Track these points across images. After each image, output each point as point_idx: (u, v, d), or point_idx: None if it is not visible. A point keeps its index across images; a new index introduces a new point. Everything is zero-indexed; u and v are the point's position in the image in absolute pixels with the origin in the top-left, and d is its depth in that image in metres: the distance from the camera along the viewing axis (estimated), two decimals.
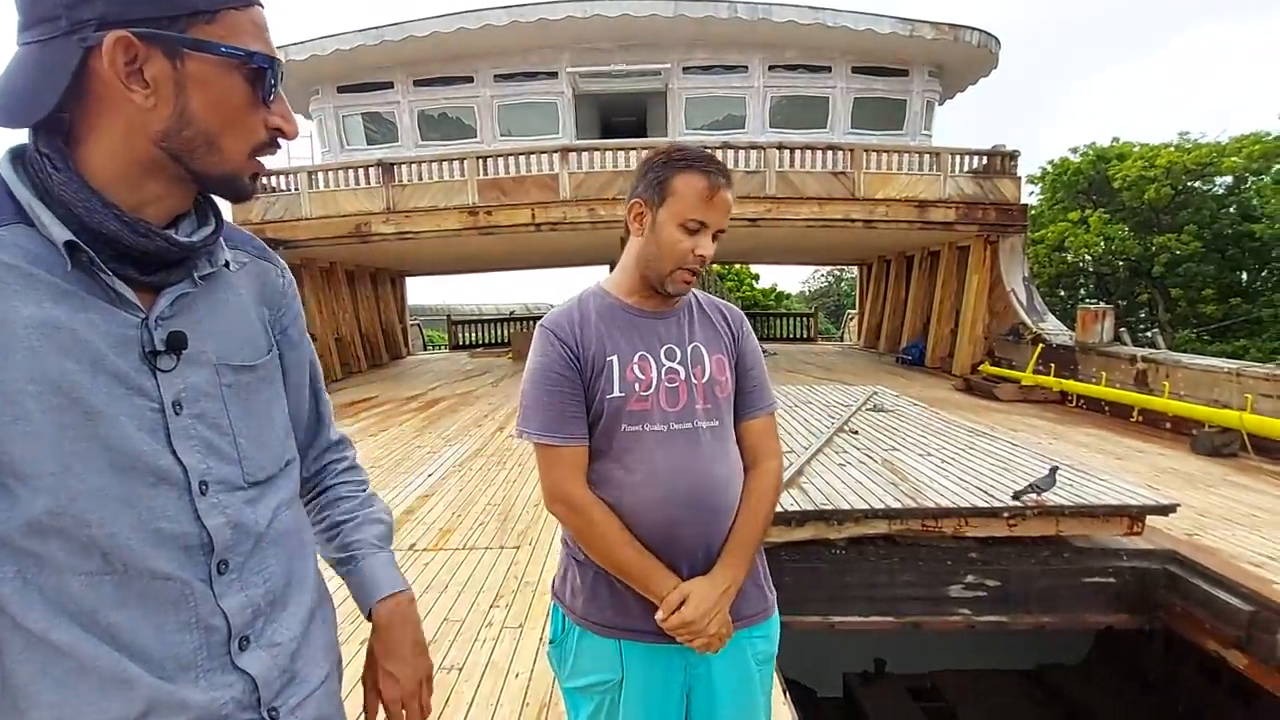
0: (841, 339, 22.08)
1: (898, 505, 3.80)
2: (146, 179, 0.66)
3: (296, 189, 11.67)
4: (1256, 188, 19.59)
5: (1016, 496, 3.82)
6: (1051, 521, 3.85)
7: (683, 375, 1.23)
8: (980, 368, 11.11)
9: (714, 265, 21.76)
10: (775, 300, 30.59)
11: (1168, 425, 7.29)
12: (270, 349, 0.81)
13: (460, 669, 2.61)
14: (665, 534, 1.19)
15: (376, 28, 12.71)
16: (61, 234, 0.62)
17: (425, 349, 21.87)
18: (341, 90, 14.02)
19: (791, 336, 20.88)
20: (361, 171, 11.62)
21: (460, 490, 5.24)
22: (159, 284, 0.69)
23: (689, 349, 1.25)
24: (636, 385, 1.20)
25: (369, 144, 14.20)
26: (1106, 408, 8.33)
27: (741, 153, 11.01)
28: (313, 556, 0.87)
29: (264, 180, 9.55)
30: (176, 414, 0.69)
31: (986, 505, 3.80)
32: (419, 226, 11.41)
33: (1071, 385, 8.96)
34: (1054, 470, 3.91)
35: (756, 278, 30.94)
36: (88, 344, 0.63)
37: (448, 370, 14.44)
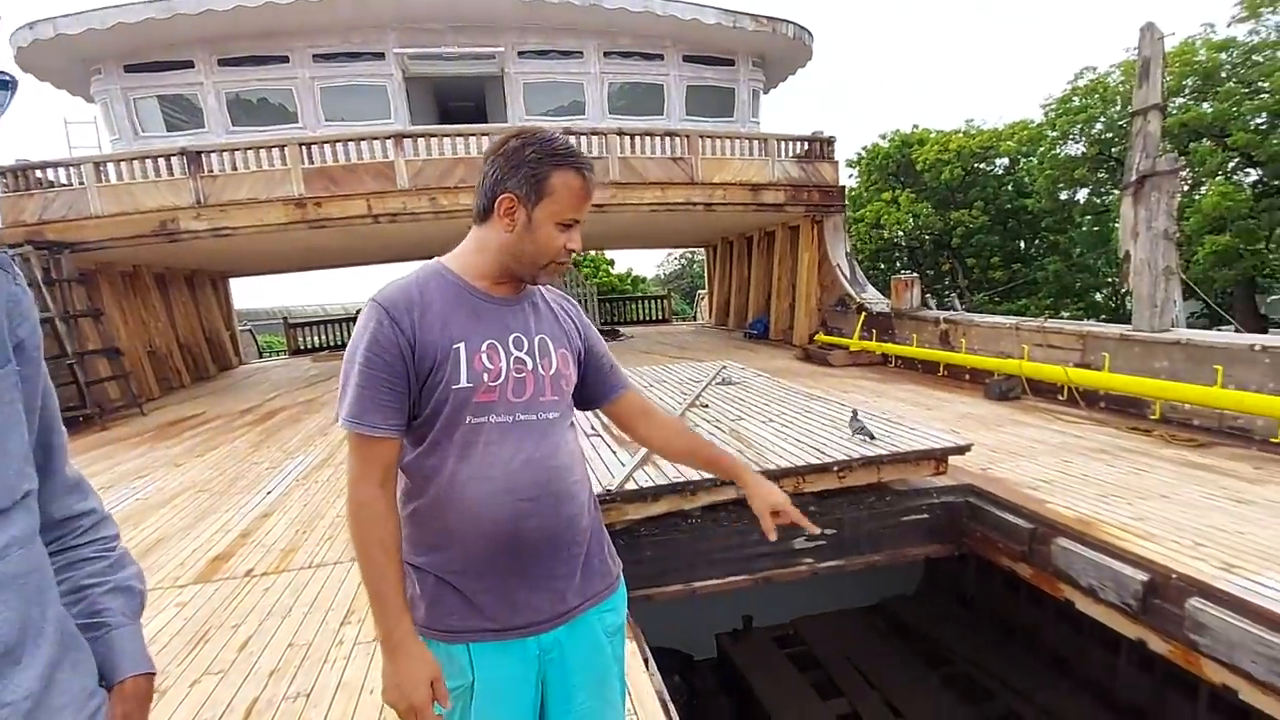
0: (695, 319, 22.99)
1: None
2: None
3: (82, 182, 10.07)
4: (1026, 168, 22.89)
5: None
6: (873, 470, 4.31)
7: (530, 365, 1.22)
8: (816, 337, 12.05)
9: None
10: (632, 285, 31.17)
11: (967, 377, 8.38)
12: (3, 364, 0.72)
13: (308, 695, 2.46)
14: (511, 528, 1.18)
15: None
16: None
17: (261, 356, 19.95)
18: (130, 70, 12.24)
19: (648, 319, 21.43)
20: (162, 161, 10.24)
21: (305, 505, 4.89)
22: None
23: (535, 340, 1.25)
24: (485, 375, 1.16)
25: (169, 130, 12.57)
26: (919, 366, 9.41)
27: (584, 138, 11.04)
28: (55, 600, 0.77)
29: (38, 174, 8.13)
30: None
31: (819, 462, 4.18)
32: (236, 222, 10.31)
33: (890, 348, 10.02)
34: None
35: (612, 263, 31.33)
36: None
37: (288, 378, 13.29)
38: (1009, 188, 23.31)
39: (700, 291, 23.36)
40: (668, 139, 11.52)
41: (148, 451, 7.28)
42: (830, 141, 12.55)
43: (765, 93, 15.36)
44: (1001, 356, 7.90)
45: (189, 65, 12.31)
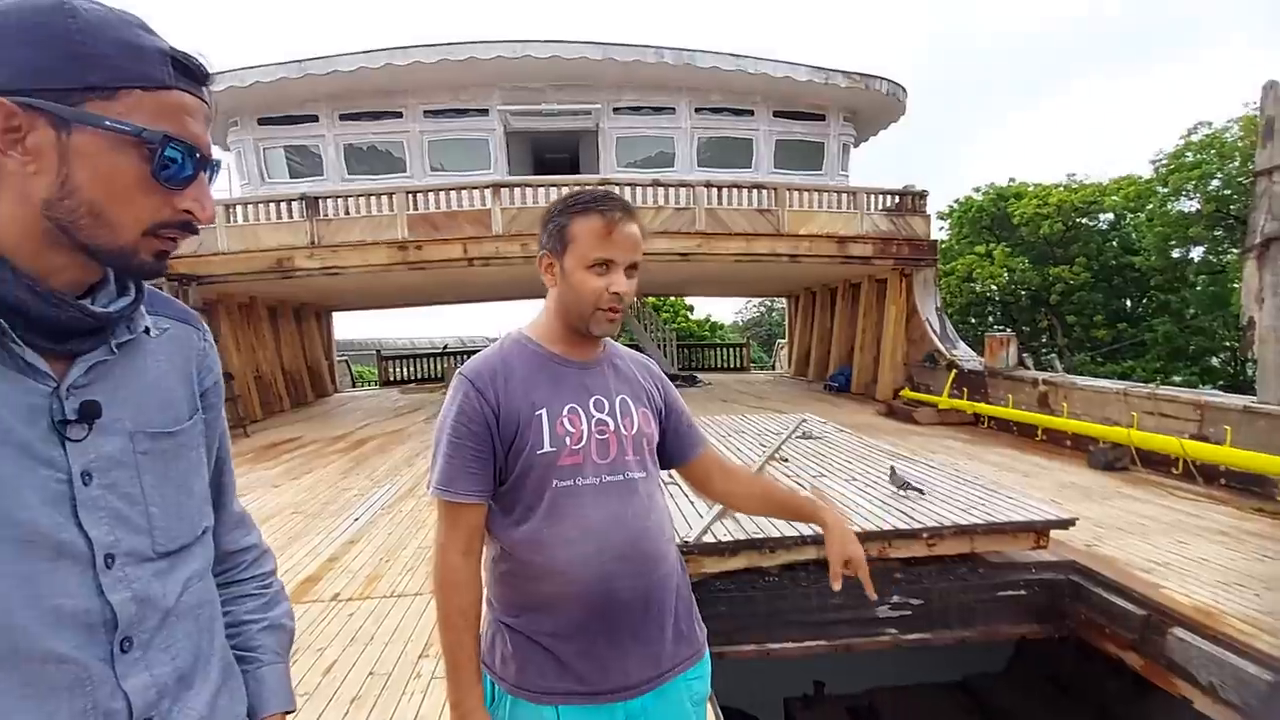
0: (773, 367, 22.68)
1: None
2: (47, 249, 0.65)
3: (212, 223, 11.17)
4: (1133, 224, 21.60)
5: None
6: (966, 539, 4.07)
7: (612, 426, 1.23)
8: (900, 393, 11.63)
9: (648, 298, 22.08)
10: (709, 331, 31.22)
11: (1068, 443, 7.83)
12: (192, 414, 0.80)
13: None
14: (602, 589, 1.17)
15: (299, 61, 12.46)
16: None
17: (354, 386, 21.08)
18: (262, 122, 13.62)
19: (725, 366, 21.33)
20: (284, 205, 11.25)
21: (389, 534, 5.07)
22: (73, 351, 0.68)
23: (616, 400, 1.26)
24: (568, 439, 1.18)
25: (292, 177, 13.80)
26: (1014, 428, 8.88)
27: (671, 190, 11.32)
28: (221, 630, 0.84)
29: None
30: (85, 484, 0.67)
31: (907, 527, 3.99)
32: (345, 261, 11.12)
33: (982, 408, 9.52)
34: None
35: (690, 309, 31.55)
36: (11, 415, 0.62)
37: (378, 408, 13.98)
38: (1114, 243, 22.02)
39: (779, 340, 23.10)
40: (755, 191, 11.65)
41: (248, 471, 7.77)
42: (923, 195, 12.33)
43: (855, 146, 15.33)
44: (1107, 423, 7.35)
45: (313, 119, 13.56)
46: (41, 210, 0.63)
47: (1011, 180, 24.21)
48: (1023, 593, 4.22)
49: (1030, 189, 23.02)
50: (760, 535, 3.87)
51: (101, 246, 0.65)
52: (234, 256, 11.05)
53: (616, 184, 10.87)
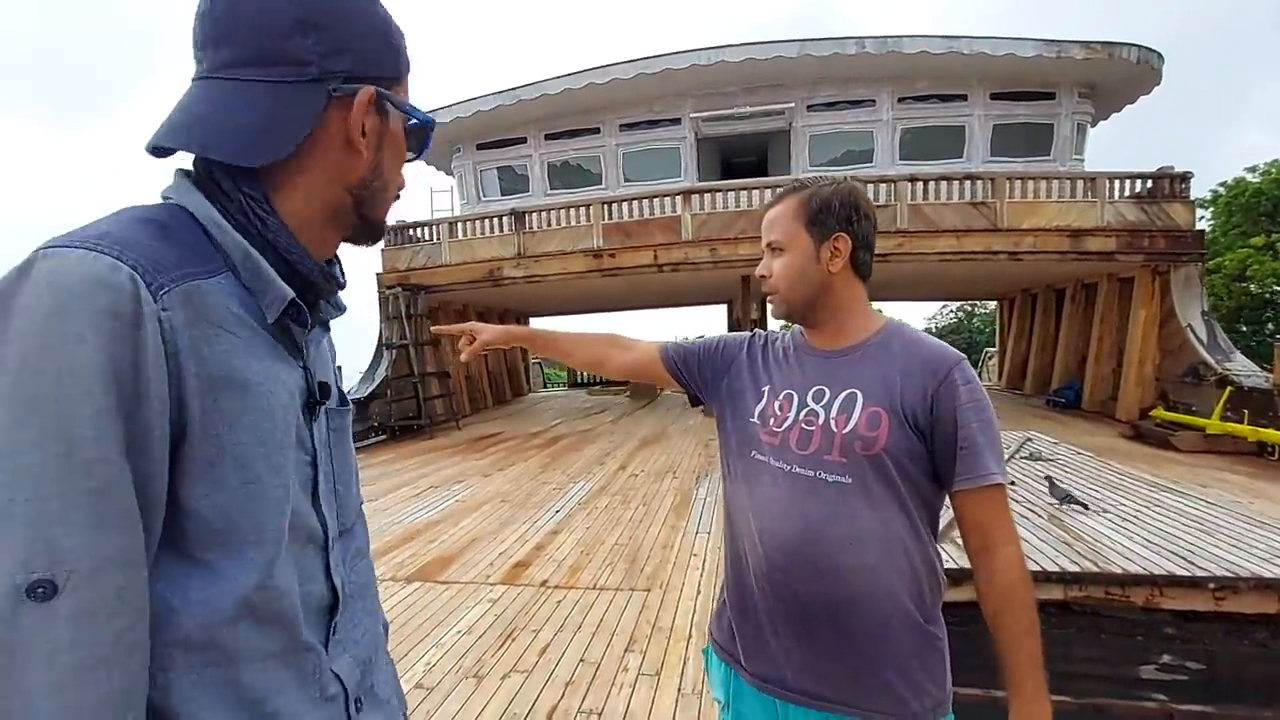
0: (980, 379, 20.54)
1: (1075, 568, 3.37)
2: (327, 225, 0.66)
3: (438, 239, 12.63)
4: None
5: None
6: (1272, 597, 3.26)
7: (821, 419, 1.11)
8: (1152, 413, 9.85)
9: None
10: None
11: None
12: (345, 404, 0.78)
13: (599, 714, 2.55)
14: (763, 571, 1.13)
15: (512, 89, 13.66)
16: (285, 290, 0.60)
17: (545, 386, 22.66)
18: (480, 147, 15.15)
19: None
20: (495, 220, 12.40)
21: (587, 528, 5.26)
22: (309, 327, 0.68)
23: (842, 394, 1.11)
24: (772, 420, 1.16)
25: (503, 194, 15.18)
26: None
27: (871, 186, 10.67)
28: (381, 606, 0.84)
29: (410, 232, 10.47)
30: (318, 467, 0.67)
31: (1186, 574, 3.29)
32: (546, 270, 11.95)
33: (1272, 435, 7.72)
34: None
35: (881, 314, 29.66)
36: (291, 398, 0.62)
37: (568, 408, 14.84)
38: None
39: (988, 350, 20.85)
40: (967, 183, 10.59)
41: (461, 461, 8.59)
42: (1183, 178, 10.39)
43: (1093, 125, 13.37)
44: None
45: (522, 141, 14.80)
46: (351, 189, 0.65)
47: None
48: None
49: None
50: None
51: (377, 218, 0.70)
52: (455, 268, 12.39)
53: None
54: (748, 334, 1.32)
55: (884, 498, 1.07)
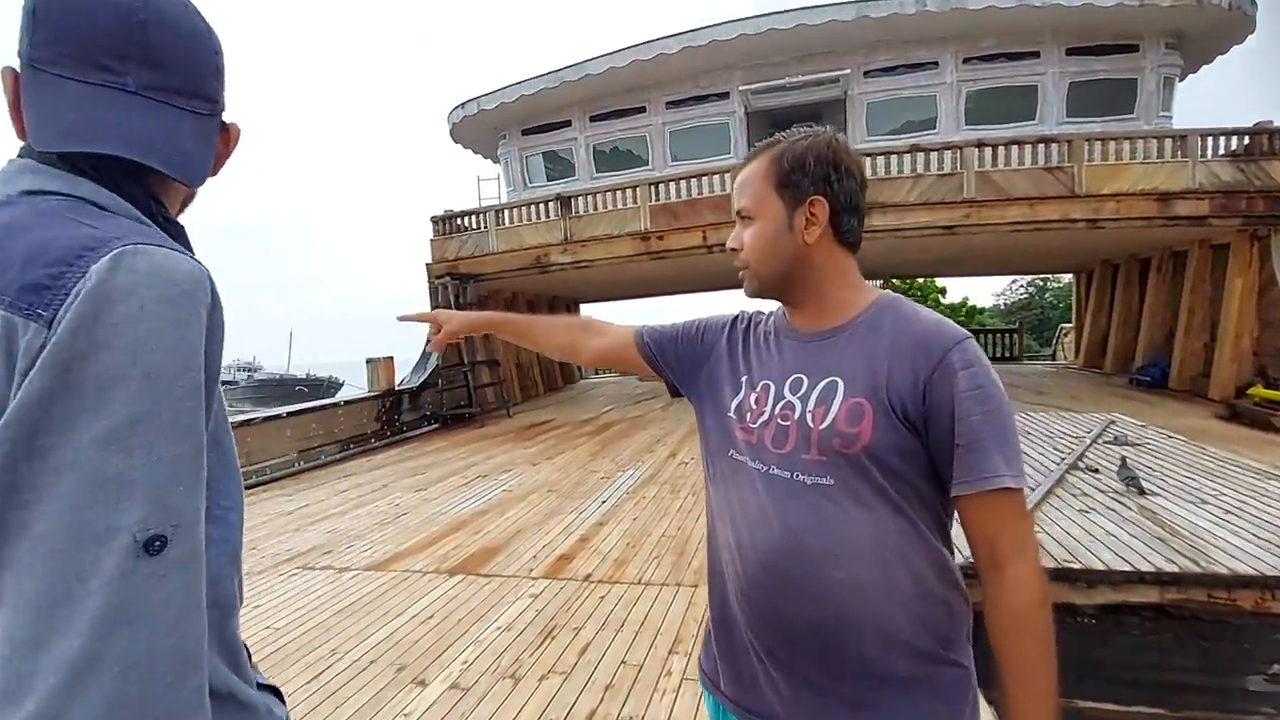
0: (1053, 358, 19.43)
1: (1173, 568, 3.02)
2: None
3: (485, 227, 12.62)
4: None
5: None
6: None
7: (797, 413, 0.94)
8: (1250, 391, 9.04)
9: (894, 280, 20.27)
10: (967, 316, 27.93)
11: None
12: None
13: None
14: (741, 585, 0.97)
15: (555, 71, 13.51)
16: None
17: (595, 373, 22.69)
18: (525, 133, 15.08)
19: (992, 357, 18.73)
20: (541, 206, 12.29)
21: (634, 519, 5.12)
22: None
23: (821, 383, 0.94)
24: (748, 415, 1.00)
25: (549, 180, 15.10)
26: None
27: (933, 155, 10.05)
28: None
29: (458, 221, 10.59)
30: None
31: None
32: (593, 255, 11.79)
33: None
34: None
35: (943, 291, 28.45)
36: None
37: (618, 394, 14.75)
38: None
39: (1064, 325, 19.69)
40: (1041, 146, 9.84)
41: (511, 449, 8.58)
42: None
43: (1181, 79, 12.27)
44: None
45: (567, 124, 14.65)
46: (190, 196, 0.78)
47: None
48: None
49: None
50: (1075, 565, 3.10)
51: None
52: (502, 256, 12.37)
53: (868, 154, 9.94)
54: (731, 315, 1.16)
55: (874, 501, 0.90)
